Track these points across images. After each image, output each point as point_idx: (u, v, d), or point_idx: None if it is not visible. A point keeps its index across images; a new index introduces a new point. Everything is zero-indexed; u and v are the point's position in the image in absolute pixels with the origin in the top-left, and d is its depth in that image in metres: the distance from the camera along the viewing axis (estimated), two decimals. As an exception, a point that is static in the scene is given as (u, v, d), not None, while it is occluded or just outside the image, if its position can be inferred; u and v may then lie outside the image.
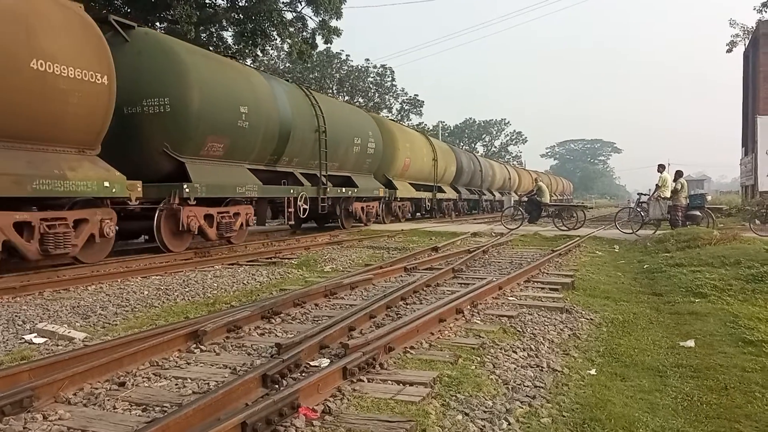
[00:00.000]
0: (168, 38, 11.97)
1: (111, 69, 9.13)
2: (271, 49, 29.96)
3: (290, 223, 15.15)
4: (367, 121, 19.82)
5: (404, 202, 22.69)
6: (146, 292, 7.46)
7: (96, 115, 8.94)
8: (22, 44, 7.73)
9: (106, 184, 9.03)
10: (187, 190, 10.66)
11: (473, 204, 34.36)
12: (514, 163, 70.54)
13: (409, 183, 23.26)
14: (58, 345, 4.92)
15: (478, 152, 63.07)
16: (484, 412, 3.36)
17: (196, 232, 11.30)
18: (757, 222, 16.16)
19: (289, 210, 14.36)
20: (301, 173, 15.18)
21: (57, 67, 8.14)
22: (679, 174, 16.34)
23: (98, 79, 8.84)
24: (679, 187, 15.73)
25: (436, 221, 24.23)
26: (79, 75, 8.48)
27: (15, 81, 7.67)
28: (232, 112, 11.82)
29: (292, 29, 23.69)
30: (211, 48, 20.82)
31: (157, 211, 10.66)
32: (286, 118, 13.84)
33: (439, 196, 26.62)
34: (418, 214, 26.10)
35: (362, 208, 18.98)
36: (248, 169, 12.97)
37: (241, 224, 12.49)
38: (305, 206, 14.87)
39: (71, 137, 8.75)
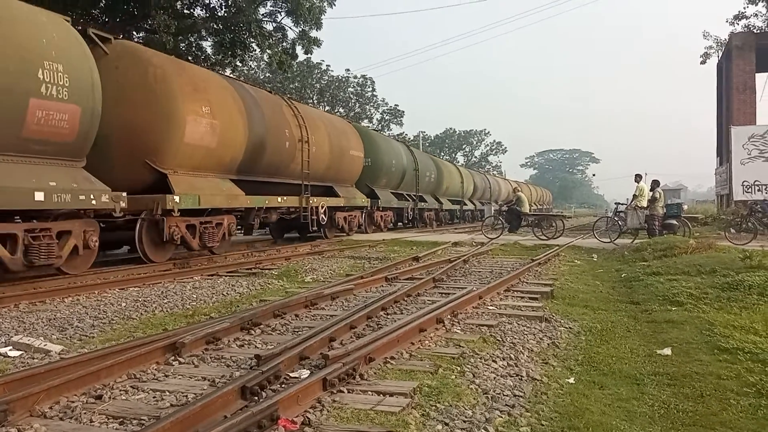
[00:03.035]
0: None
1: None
2: (251, 60, 29.89)
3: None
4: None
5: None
6: (124, 304, 7.37)
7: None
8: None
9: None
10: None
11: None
12: (494, 173, 71.03)
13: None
14: (34, 358, 4.85)
15: (458, 162, 63.44)
16: (464, 421, 3.37)
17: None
18: (732, 231, 16.43)
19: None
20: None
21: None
22: (655, 183, 16.58)
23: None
24: (657, 196, 15.96)
25: (417, 231, 24.30)
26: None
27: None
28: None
29: (271, 40, 23.68)
30: (190, 58, 20.73)
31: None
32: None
33: (421, 205, 26.98)
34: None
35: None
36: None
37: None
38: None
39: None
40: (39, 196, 8.15)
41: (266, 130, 13.81)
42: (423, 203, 27.17)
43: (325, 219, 17.04)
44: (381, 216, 22.34)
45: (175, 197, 10.70)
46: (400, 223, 26.29)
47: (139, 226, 10.59)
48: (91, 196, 9.04)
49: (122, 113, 10.31)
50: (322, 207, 16.73)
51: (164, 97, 10.76)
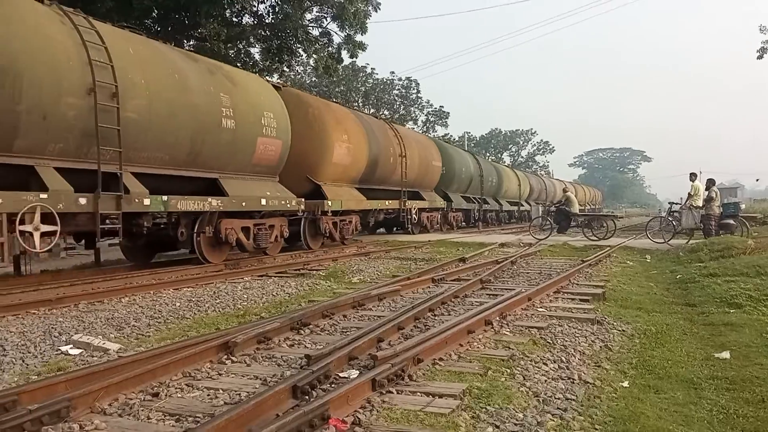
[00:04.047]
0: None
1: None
2: (298, 65, 30.26)
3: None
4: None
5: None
6: (178, 304, 7.57)
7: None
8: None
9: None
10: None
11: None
12: (542, 173, 69.99)
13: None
14: (93, 356, 5.03)
15: (504, 162, 62.78)
16: (515, 424, 3.34)
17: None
18: (794, 230, 15.78)
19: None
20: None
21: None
22: (711, 182, 16.07)
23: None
24: (714, 195, 15.46)
25: (461, 232, 24.14)
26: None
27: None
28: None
29: (317, 45, 23.93)
30: (239, 64, 21.13)
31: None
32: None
33: (485, 207, 29.72)
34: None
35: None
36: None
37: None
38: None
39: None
40: (263, 201, 12.02)
41: (379, 150, 17.64)
42: (486, 205, 29.97)
43: (416, 218, 20.82)
44: (453, 216, 25.54)
45: (328, 202, 14.52)
46: (463, 223, 27.82)
47: (304, 222, 14.45)
48: (286, 201, 12.76)
49: (292, 142, 13.23)
50: (414, 209, 20.63)
51: (319, 130, 14.64)
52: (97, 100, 8.36)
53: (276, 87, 13.83)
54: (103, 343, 5.30)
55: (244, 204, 11.44)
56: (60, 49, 8.15)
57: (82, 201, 8.31)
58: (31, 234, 7.66)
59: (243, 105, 11.42)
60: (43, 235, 7.79)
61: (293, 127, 13.23)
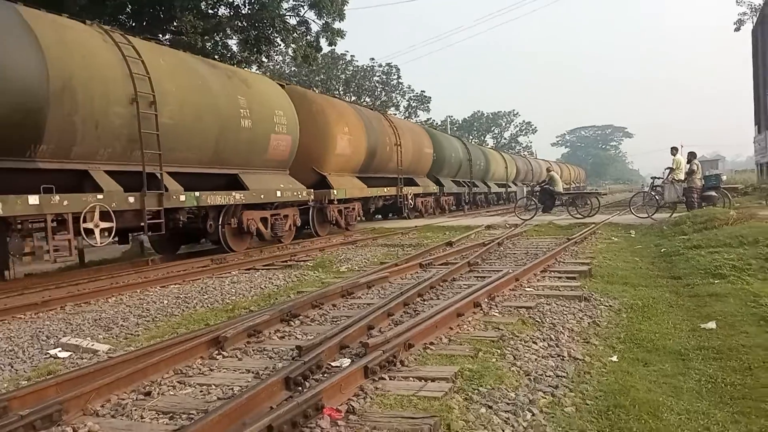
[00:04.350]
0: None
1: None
2: (276, 55, 30.03)
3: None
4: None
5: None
6: (166, 301, 7.54)
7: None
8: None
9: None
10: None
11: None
12: (525, 153, 70.23)
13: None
14: (82, 358, 5.00)
15: (487, 144, 62.91)
16: (508, 404, 3.37)
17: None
18: (775, 199, 15.98)
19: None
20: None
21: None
22: (692, 155, 16.22)
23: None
24: (695, 168, 15.60)
25: (449, 215, 24.22)
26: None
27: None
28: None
29: (295, 34, 23.72)
30: (216, 57, 20.92)
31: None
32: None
33: (474, 190, 30.84)
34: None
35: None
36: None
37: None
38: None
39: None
40: (278, 193, 13.23)
41: (376, 140, 18.65)
42: (476, 188, 31.06)
43: (412, 204, 22.23)
44: (445, 200, 26.54)
45: (333, 191, 15.74)
46: (454, 206, 28.68)
47: (312, 211, 15.51)
48: (297, 192, 13.95)
49: (299, 137, 14.22)
50: (410, 194, 21.91)
51: (323, 124, 15.73)
52: (139, 108, 9.39)
53: (281, 86, 14.80)
54: (92, 345, 5.27)
55: (262, 197, 12.62)
56: (106, 65, 9.11)
57: (131, 199, 9.41)
58: (92, 230, 8.74)
59: (257, 105, 12.48)
60: (101, 231, 8.87)
61: (299, 122, 14.22)
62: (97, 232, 8.78)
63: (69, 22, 9.14)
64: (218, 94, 11.38)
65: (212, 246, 13.24)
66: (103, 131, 8.98)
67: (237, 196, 11.80)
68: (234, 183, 12.17)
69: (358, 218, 17.98)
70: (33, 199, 7.93)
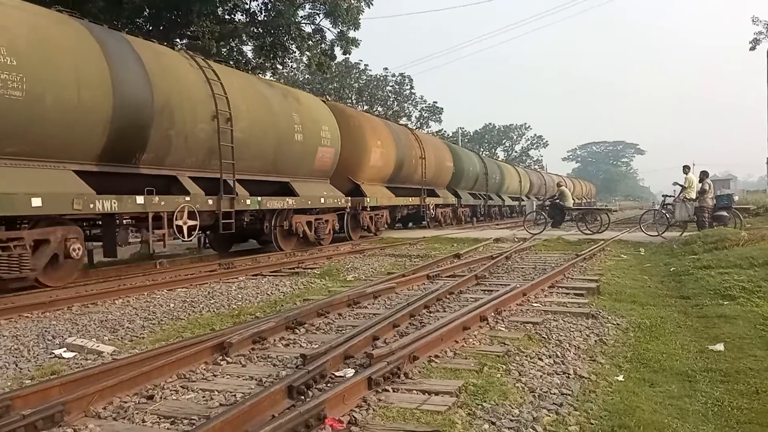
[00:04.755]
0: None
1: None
2: (291, 62, 30.19)
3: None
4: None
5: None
6: (172, 305, 7.55)
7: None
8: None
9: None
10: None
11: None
12: (536, 167, 70.08)
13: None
14: (87, 359, 5.01)
15: (498, 157, 62.88)
16: (511, 420, 3.34)
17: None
18: (787, 221, 15.84)
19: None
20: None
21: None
22: (704, 174, 16.11)
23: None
24: (707, 187, 15.50)
25: (457, 227, 24.19)
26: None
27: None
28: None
29: (310, 42, 23.85)
30: (231, 62, 21.06)
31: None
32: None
33: (489, 202, 32.13)
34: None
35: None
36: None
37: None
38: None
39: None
40: (322, 200, 14.66)
41: (404, 153, 20.04)
42: (491, 201, 32.29)
43: (434, 214, 23.51)
44: (462, 211, 27.68)
45: (367, 199, 17.10)
46: (471, 218, 29.56)
47: (347, 216, 16.78)
48: (337, 200, 15.44)
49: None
50: (432, 204, 23.22)
51: (359, 138, 17.05)
52: (219, 124, 10.85)
53: (323, 101, 16.76)
54: (97, 346, 5.28)
55: (309, 202, 14.13)
56: (193, 86, 10.58)
57: (210, 202, 10.87)
58: (181, 227, 10.13)
59: (308, 121, 14.10)
60: (188, 228, 10.27)
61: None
62: (185, 228, 10.21)
63: (163, 49, 10.67)
64: (277, 111, 13.01)
65: (257, 246, 15.04)
66: (191, 143, 10.47)
67: (290, 201, 13.38)
68: (285, 190, 13.68)
69: (386, 225, 19.43)
70: (140, 200, 9.38)
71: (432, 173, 22.79)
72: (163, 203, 9.78)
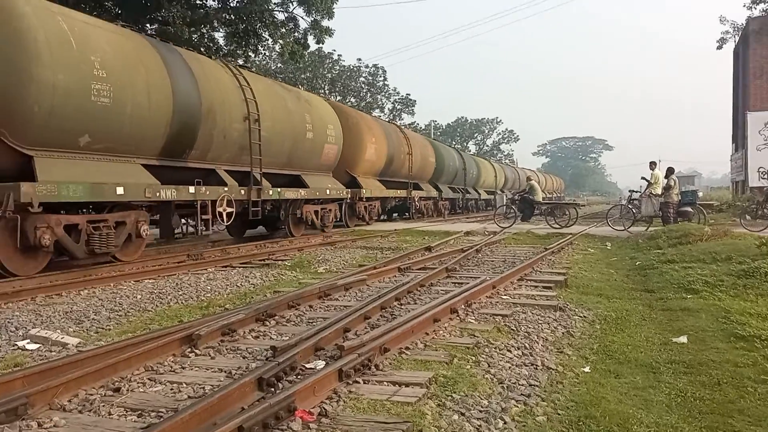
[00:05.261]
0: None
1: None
2: (263, 50, 29.83)
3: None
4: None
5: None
6: (139, 296, 7.44)
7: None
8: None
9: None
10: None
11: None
12: (506, 161, 70.66)
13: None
14: (51, 351, 4.90)
15: (470, 151, 63.26)
16: (480, 411, 3.38)
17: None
18: (748, 217, 16.29)
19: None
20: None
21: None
22: (670, 171, 16.44)
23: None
24: (672, 183, 15.82)
25: (427, 220, 24.30)
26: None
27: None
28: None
29: (283, 29, 23.58)
30: (202, 49, 20.73)
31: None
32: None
33: (467, 196, 33.62)
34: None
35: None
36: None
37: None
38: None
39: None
40: (328, 191, 16.51)
41: (394, 149, 21.79)
42: (468, 194, 33.87)
43: (418, 206, 25.23)
44: (443, 204, 29.23)
45: (363, 190, 19.08)
46: (450, 210, 30.97)
47: (345, 206, 18.37)
48: (340, 191, 17.27)
49: None
50: (417, 197, 24.98)
51: (357, 134, 18.93)
52: (250, 124, 12.53)
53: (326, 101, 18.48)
54: (62, 338, 5.18)
55: (317, 193, 15.90)
56: (230, 92, 12.23)
57: (242, 192, 12.59)
58: (221, 213, 11.76)
59: (317, 121, 15.78)
60: (227, 214, 11.93)
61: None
62: (224, 214, 11.82)
63: (203, 58, 12.50)
64: (293, 112, 14.72)
65: (266, 232, 16.76)
66: (227, 141, 12.09)
67: (302, 192, 15.16)
68: (297, 182, 15.35)
69: (378, 215, 21.29)
70: (191, 189, 10.99)
71: (417, 168, 24.57)
72: (208, 192, 11.45)
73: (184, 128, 10.81)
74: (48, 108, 8.22)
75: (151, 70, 10.03)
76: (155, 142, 10.34)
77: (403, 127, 27.16)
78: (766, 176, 23.65)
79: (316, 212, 16.04)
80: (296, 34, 24.11)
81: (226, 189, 11.91)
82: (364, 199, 19.34)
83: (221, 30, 23.66)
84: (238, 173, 12.71)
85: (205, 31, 23.26)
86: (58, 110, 8.34)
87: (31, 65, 7.99)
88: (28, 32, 8.00)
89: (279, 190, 13.99)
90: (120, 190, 9.28)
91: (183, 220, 11.42)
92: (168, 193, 10.35)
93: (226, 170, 12.32)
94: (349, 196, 18.03)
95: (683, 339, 5.02)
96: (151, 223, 11.15)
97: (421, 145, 25.94)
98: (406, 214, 25.75)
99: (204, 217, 11.31)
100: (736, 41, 30.21)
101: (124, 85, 9.35)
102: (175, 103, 10.43)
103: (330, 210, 16.96)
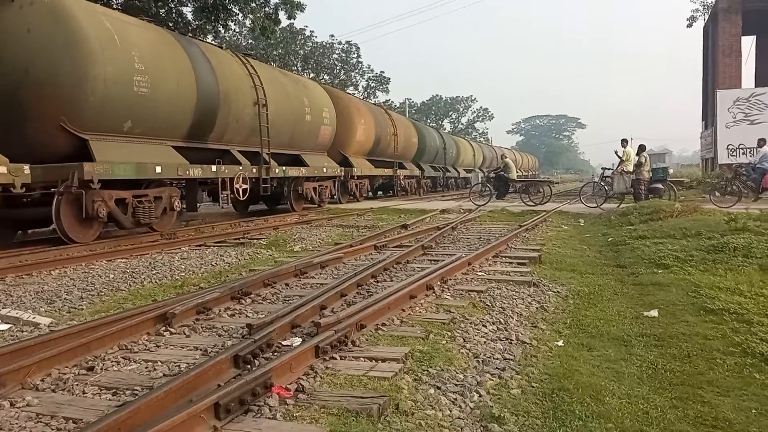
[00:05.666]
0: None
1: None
2: (234, 25, 29.26)
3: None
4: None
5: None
6: (112, 276, 7.34)
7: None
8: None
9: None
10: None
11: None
12: (481, 139, 70.86)
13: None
14: (23, 331, 4.83)
15: (444, 129, 63.29)
16: (456, 385, 3.42)
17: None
18: (717, 194, 16.58)
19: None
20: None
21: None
22: (641, 148, 16.64)
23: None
24: (643, 160, 16.03)
25: (404, 199, 24.34)
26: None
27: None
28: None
29: (253, 4, 23.11)
30: (171, 25, 20.27)
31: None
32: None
33: (447, 175, 35.38)
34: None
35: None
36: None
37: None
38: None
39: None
40: (324, 170, 17.89)
41: (381, 129, 23.25)
42: (448, 173, 35.60)
43: (403, 184, 26.85)
44: (424, 183, 30.72)
45: (355, 169, 20.76)
46: (431, 189, 32.20)
47: (337, 183, 19.66)
48: (335, 169, 18.75)
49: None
50: (402, 176, 26.68)
51: (348, 117, 20.28)
52: (259, 109, 13.97)
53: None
54: (33, 318, 5.10)
55: (315, 171, 17.31)
56: (243, 80, 13.65)
57: (254, 170, 14.11)
58: (238, 189, 13.34)
59: (314, 104, 17.14)
60: (243, 190, 13.51)
61: None
62: (240, 191, 13.37)
63: (217, 49, 13.73)
64: (293, 97, 16.06)
65: (265, 207, 18.40)
66: (240, 124, 13.50)
67: (303, 171, 16.60)
68: (297, 161, 16.63)
69: (368, 192, 23.26)
70: (213, 168, 12.55)
71: (402, 148, 26.14)
72: (226, 171, 12.97)
73: (206, 113, 12.23)
74: (100, 98, 9.57)
75: (178, 62, 11.40)
76: (183, 126, 11.73)
77: (388, 109, 28.63)
78: (735, 153, 24.10)
79: (314, 189, 17.50)
80: (267, 8, 23.66)
81: (240, 168, 13.41)
82: (356, 177, 20.94)
83: (189, 5, 23.12)
84: (248, 153, 14.04)
85: (173, 5, 22.70)
86: (107, 99, 9.71)
87: (87, 62, 9.34)
88: (83, 34, 9.35)
89: (284, 168, 15.45)
90: (158, 169, 10.72)
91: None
92: (195, 171, 11.86)
93: (239, 151, 13.70)
94: (342, 174, 19.42)
95: (654, 313, 5.13)
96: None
97: (404, 126, 27.43)
98: (390, 191, 26.86)
99: (224, 192, 12.87)
100: (706, 19, 30.51)
101: (159, 76, 10.70)
102: (198, 91, 11.81)
103: (326, 187, 18.35)
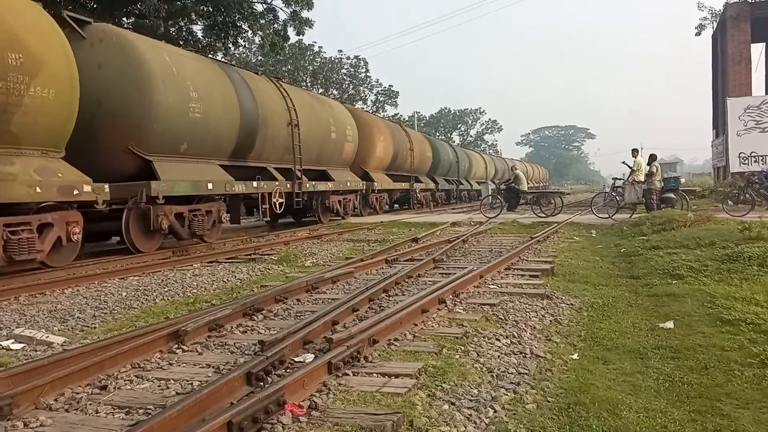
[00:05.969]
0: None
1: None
2: (243, 42, 29.53)
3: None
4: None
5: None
6: (124, 294, 7.36)
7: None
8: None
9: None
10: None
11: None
12: (490, 151, 70.86)
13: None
14: (36, 350, 4.83)
15: (454, 142, 63.36)
16: (470, 400, 3.38)
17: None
18: (730, 203, 16.46)
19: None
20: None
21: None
22: (652, 158, 16.56)
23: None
24: (654, 170, 15.94)
25: (414, 212, 24.34)
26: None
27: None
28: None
29: (263, 21, 23.37)
30: (181, 43, 20.49)
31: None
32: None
33: (460, 187, 36.58)
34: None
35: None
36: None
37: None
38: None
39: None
40: (348, 183, 18.87)
41: (398, 146, 24.33)
42: (461, 185, 36.66)
43: (419, 197, 27.93)
44: (438, 195, 31.70)
45: (375, 183, 21.66)
46: (445, 201, 33.21)
47: (359, 197, 20.80)
48: (358, 183, 19.74)
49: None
50: (418, 189, 27.57)
51: (369, 134, 21.39)
52: (292, 129, 15.09)
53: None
54: (47, 337, 5.11)
55: (340, 186, 18.35)
56: (277, 103, 14.76)
57: (288, 185, 15.14)
58: (275, 203, 14.42)
59: (338, 123, 18.32)
60: (279, 204, 14.59)
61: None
62: (277, 204, 14.44)
63: (255, 75, 14.99)
64: (320, 117, 17.17)
65: (292, 220, 18.95)
66: (276, 144, 14.61)
67: (330, 185, 17.64)
68: (323, 176, 17.61)
69: (386, 205, 24.04)
70: (255, 184, 13.65)
71: (417, 162, 27.06)
72: (265, 186, 14.03)
73: (248, 135, 13.36)
74: (163, 124, 10.68)
75: (223, 90, 12.54)
76: (228, 146, 12.85)
77: (404, 125, 29.66)
78: (747, 161, 23.92)
79: (339, 202, 18.57)
80: (276, 25, 23.89)
81: (277, 183, 14.50)
82: (376, 191, 22.04)
83: (199, 23, 23.39)
84: (282, 169, 15.07)
85: (183, 24, 22.98)
86: (168, 125, 10.82)
87: (153, 93, 10.44)
88: (149, 68, 10.45)
89: (313, 183, 16.55)
90: (210, 186, 11.88)
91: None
92: (239, 188, 12.92)
93: (274, 167, 14.75)
94: (364, 187, 20.50)
95: (670, 324, 5.07)
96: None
97: (420, 141, 28.59)
98: (406, 205, 27.73)
99: (263, 206, 13.98)
100: (714, 28, 30.43)
101: (209, 103, 11.81)
102: (241, 115, 12.94)
103: (349, 200, 19.53)
